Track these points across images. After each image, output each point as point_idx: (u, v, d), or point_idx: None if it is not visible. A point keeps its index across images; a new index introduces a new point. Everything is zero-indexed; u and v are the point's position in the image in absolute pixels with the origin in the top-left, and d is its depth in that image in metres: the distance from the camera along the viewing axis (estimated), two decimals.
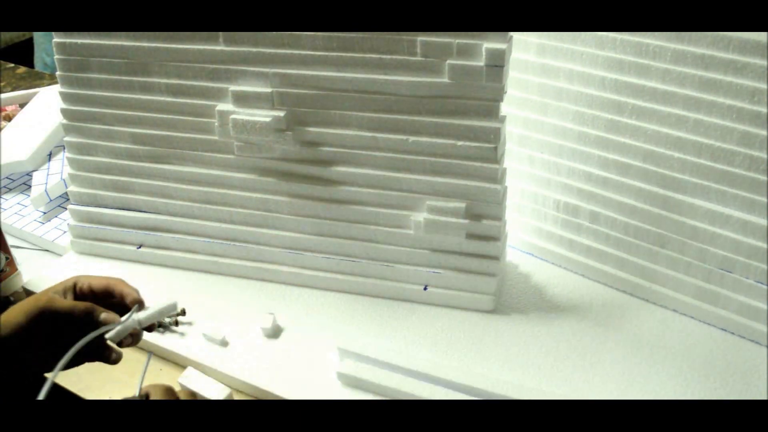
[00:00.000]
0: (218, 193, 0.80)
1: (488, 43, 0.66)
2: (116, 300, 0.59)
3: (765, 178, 0.71)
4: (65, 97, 0.80)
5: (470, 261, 0.77)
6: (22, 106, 1.19)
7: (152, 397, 0.56)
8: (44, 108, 1.10)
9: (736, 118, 0.72)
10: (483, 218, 0.75)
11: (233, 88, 0.75)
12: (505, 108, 0.74)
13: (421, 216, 0.75)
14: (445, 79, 0.69)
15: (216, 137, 0.77)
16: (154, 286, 0.81)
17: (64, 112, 0.81)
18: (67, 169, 0.84)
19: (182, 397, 0.59)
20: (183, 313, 0.76)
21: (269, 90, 0.74)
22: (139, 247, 0.85)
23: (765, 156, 0.71)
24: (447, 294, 0.78)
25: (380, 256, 0.79)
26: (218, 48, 0.74)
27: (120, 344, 0.57)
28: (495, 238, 0.76)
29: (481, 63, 0.67)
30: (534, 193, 0.85)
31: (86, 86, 0.79)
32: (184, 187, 0.81)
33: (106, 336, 0.55)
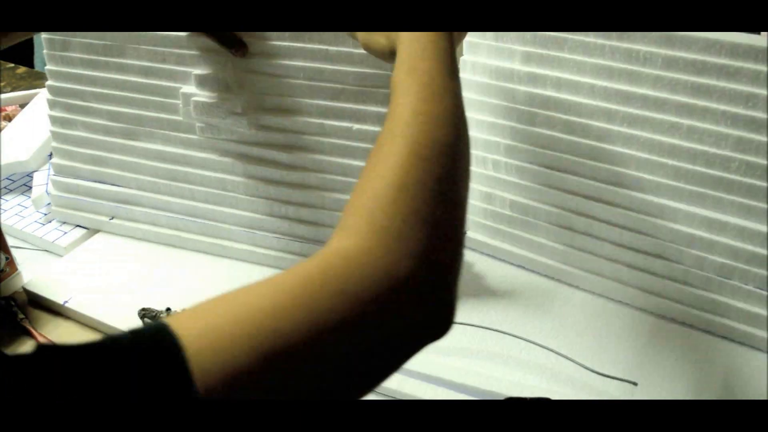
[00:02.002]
0: (181, 171, 0.84)
1: None
2: None
3: (762, 183, 0.70)
4: (51, 74, 0.87)
5: None
6: (22, 106, 1.19)
7: None
8: (45, 108, 1.12)
9: (730, 124, 0.71)
10: None
11: (196, 72, 0.78)
12: (491, 118, 0.77)
13: None
14: (388, 72, 0.70)
15: (180, 118, 0.81)
16: (126, 258, 0.86)
17: (49, 87, 0.88)
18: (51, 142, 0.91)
19: None
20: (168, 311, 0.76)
21: (227, 75, 0.77)
22: (111, 219, 0.90)
23: (761, 161, 0.69)
24: None
25: (328, 239, 0.80)
26: (183, 34, 0.78)
27: None
28: None
29: None
30: (526, 205, 0.83)
31: (68, 64, 0.85)
32: (150, 163, 0.86)
33: None
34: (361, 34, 0.59)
